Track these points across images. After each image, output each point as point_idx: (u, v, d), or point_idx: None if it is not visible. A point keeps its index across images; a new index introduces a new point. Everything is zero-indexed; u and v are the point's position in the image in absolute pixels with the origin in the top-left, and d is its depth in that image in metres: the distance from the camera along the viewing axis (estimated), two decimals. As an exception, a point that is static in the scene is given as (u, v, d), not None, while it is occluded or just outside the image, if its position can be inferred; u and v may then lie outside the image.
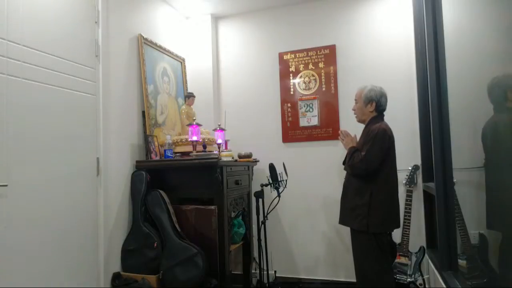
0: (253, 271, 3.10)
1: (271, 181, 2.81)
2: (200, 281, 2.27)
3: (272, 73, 3.43)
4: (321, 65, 3.27)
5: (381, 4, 3.11)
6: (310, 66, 3.30)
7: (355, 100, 2.31)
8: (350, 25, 3.20)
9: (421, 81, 2.68)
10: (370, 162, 2.07)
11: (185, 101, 3.00)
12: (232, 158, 2.77)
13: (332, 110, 3.21)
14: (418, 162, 2.82)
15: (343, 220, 2.27)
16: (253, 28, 3.52)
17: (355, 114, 2.33)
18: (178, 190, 2.58)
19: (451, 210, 1.91)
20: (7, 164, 1.70)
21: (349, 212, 2.20)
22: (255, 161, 3.14)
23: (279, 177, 2.81)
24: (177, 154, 2.69)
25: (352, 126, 2.54)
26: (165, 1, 3.21)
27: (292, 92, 3.35)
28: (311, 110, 3.27)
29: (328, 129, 3.21)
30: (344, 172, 2.33)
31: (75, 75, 2.14)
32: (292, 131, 3.33)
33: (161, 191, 2.47)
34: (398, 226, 2.18)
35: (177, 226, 2.41)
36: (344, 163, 2.29)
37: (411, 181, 2.83)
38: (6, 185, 1.68)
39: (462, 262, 1.88)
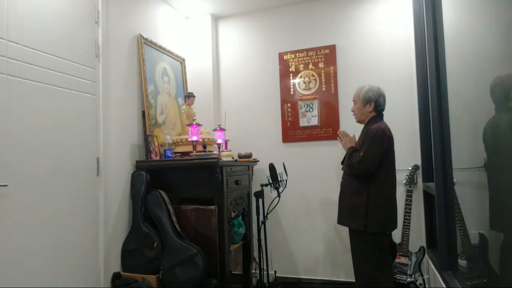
0: (253, 271, 3.09)
1: (271, 181, 2.80)
2: (200, 281, 2.27)
3: (272, 73, 3.43)
4: (321, 65, 3.27)
5: (381, 4, 3.11)
6: (310, 66, 3.30)
7: (354, 101, 2.31)
8: (350, 25, 3.20)
9: (421, 81, 2.68)
10: (368, 163, 2.07)
11: (185, 101, 3.00)
12: (232, 158, 2.77)
13: (332, 110, 3.21)
14: (418, 162, 2.82)
15: (341, 220, 2.27)
16: (253, 28, 3.52)
17: (354, 115, 2.33)
18: (178, 190, 2.58)
19: (451, 210, 1.91)
20: (7, 164, 1.70)
21: (346, 212, 2.19)
22: (255, 161, 3.14)
23: (279, 177, 2.81)
24: (177, 154, 2.69)
25: (352, 126, 2.54)
26: (165, 1, 3.21)
27: (292, 92, 3.35)
28: (311, 110, 3.27)
29: (328, 129, 3.21)
30: (343, 172, 2.33)
31: (75, 75, 2.14)
32: (292, 131, 3.33)
33: (161, 191, 2.47)
34: (396, 227, 2.18)
35: (177, 226, 2.41)
36: (342, 163, 2.29)
37: (411, 181, 2.83)
38: (6, 185, 1.68)
39: (462, 262, 1.88)
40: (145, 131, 2.67)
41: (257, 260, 2.94)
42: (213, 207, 2.43)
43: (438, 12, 1.98)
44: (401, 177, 2.81)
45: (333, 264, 3.14)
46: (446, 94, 1.91)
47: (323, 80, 3.26)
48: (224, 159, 2.58)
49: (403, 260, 2.67)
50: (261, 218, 2.79)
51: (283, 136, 3.36)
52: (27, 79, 1.83)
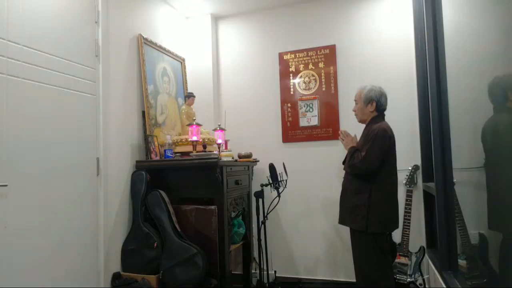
0: (253, 271, 3.10)
1: (271, 181, 2.80)
2: (200, 281, 2.27)
3: (272, 73, 3.43)
4: (321, 65, 3.27)
5: (381, 4, 3.11)
6: (310, 66, 3.30)
7: (355, 100, 2.31)
8: (350, 25, 3.20)
9: (421, 81, 2.68)
10: (370, 162, 2.07)
11: (185, 101, 3.00)
12: (232, 158, 2.77)
13: (332, 110, 3.21)
14: (418, 162, 2.82)
15: (342, 220, 2.27)
16: (253, 28, 3.52)
17: (355, 115, 2.33)
18: (178, 190, 2.58)
19: (451, 210, 1.91)
20: (7, 164, 1.70)
21: (348, 212, 2.20)
22: (255, 161, 3.14)
23: (279, 177, 2.81)
24: (177, 154, 2.69)
25: (352, 126, 2.54)
26: (165, 1, 3.21)
27: (292, 92, 3.35)
28: (311, 110, 3.27)
29: (328, 129, 3.21)
30: (344, 172, 2.33)
31: (75, 75, 2.14)
32: (292, 131, 3.33)
33: (161, 191, 2.47)
34: (397, 227, 2.18)
35: (177, 226, 2.41)
36: (344, 163, 2.29)
37: (411, 181, 2.83)
38: (6, 185, 1.68)
39: (462, 262, 1.88)
40: (145, 131, 2.67)
41: (257, 260, 2.94)
42: (213, 207, 2.43)
43: (438, 12, 1.98)
44: (401, 177, 2.80)
45: (333, 264, 3.14)
46: (446, 94, 1.91)
47: (323, 80, 3.26)
48: (224, 159, 2.58)
49: (403, 260, 2.67)
50: (261, 218, 2.79)
51: (283, 136, 3.36)
52: (27, 79, 1.83)
